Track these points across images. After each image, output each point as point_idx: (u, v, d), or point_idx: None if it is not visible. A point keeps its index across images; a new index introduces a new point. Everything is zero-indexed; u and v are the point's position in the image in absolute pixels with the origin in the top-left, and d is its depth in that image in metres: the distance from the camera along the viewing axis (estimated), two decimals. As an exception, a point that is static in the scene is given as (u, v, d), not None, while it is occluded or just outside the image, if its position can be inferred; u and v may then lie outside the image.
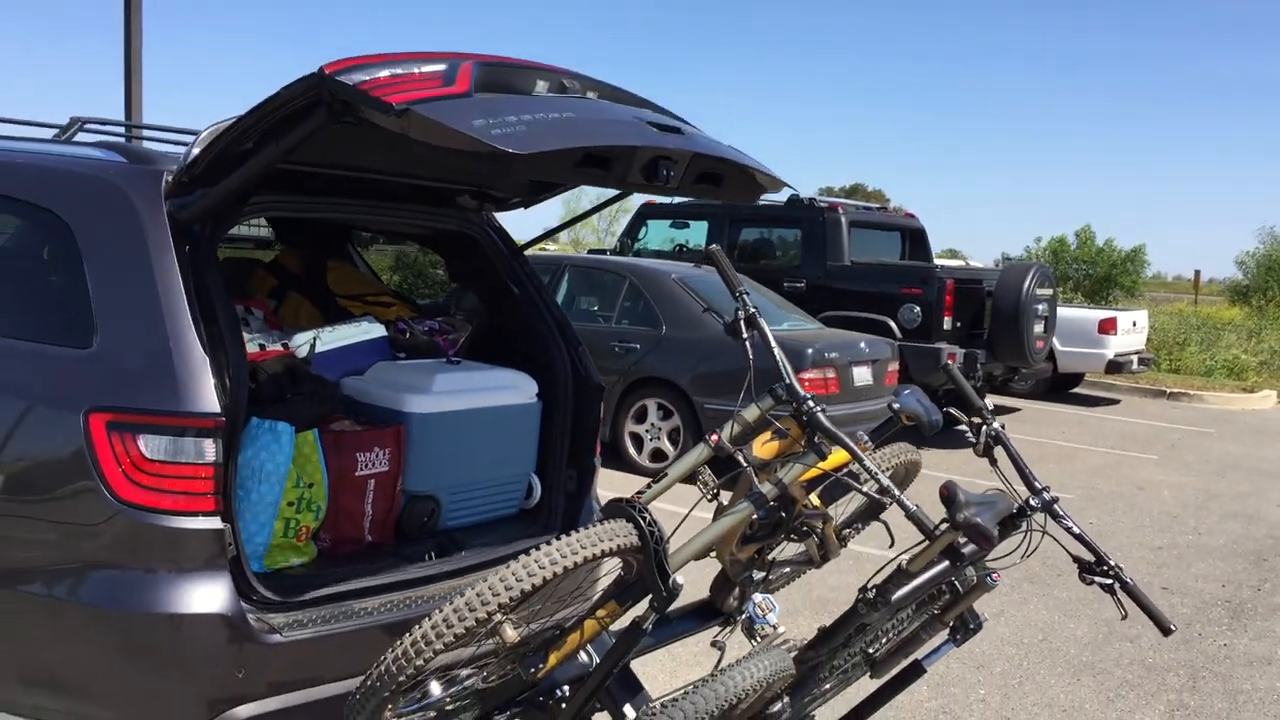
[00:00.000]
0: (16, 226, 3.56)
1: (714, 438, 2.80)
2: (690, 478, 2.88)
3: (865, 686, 3.44)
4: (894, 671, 3.39)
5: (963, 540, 2.77)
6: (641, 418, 9.48)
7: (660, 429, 9.40)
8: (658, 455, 9.40)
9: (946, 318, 11.42)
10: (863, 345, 9.75)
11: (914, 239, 13.59)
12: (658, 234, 13.83)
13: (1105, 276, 32.16)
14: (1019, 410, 15.01)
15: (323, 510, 3.41)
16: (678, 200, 12.86)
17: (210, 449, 2.97)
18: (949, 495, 2.62)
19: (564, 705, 2.91)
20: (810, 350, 9.09)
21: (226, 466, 3.01)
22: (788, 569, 3.64)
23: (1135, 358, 15.19)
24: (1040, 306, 11.79)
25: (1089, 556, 3.02)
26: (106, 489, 2.92)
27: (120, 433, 2.94)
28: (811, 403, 2.77)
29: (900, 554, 2.87)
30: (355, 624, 3.23)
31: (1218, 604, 6.76)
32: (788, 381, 2.81)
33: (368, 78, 2.76)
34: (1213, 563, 7.69)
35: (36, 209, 3.36)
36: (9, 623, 3.04)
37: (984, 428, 3.18)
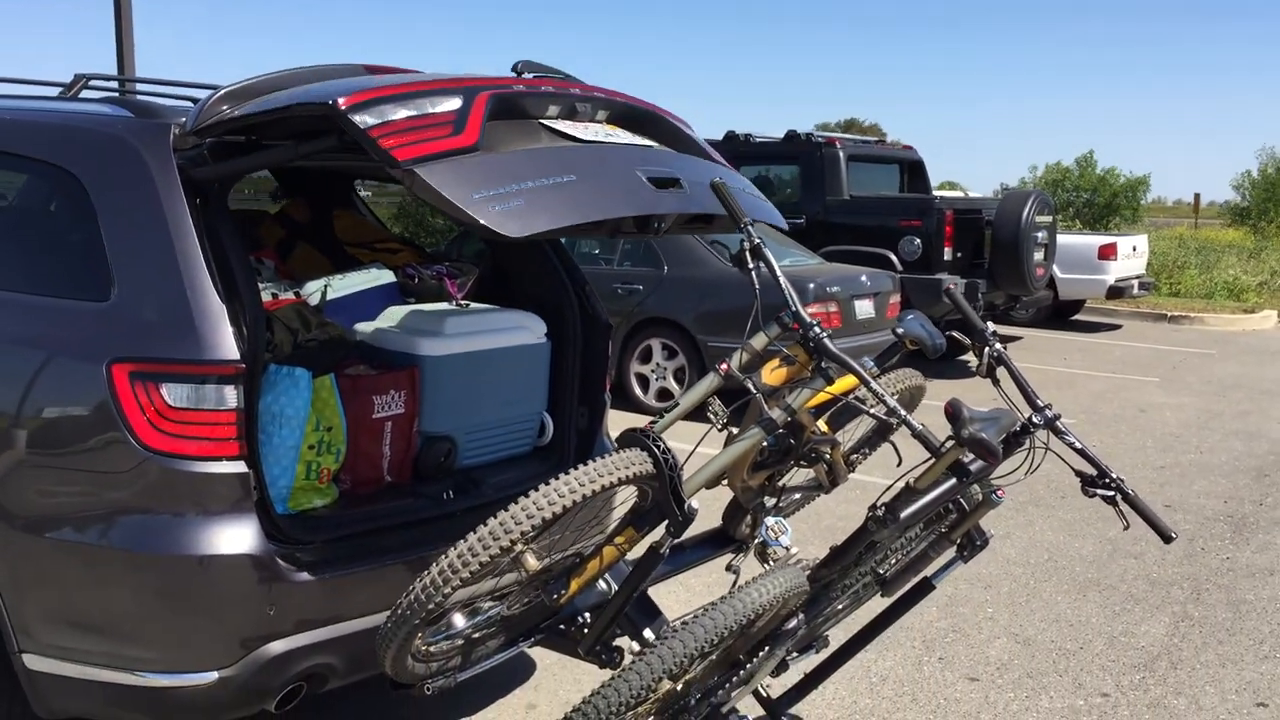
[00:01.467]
0: (30, 184, 3.62)
1: (724, 367, 2.86)
2: (700, 409, 2.95)
3: (876, 606, 3.54)
4: (904, 589, 3.49)
5: (968, 456, 2.84)
6: (647, 358, 9.56)
7: (666, 369, 9.47)
8: (664, 395, 9.48)
9: (946, 249, 11.45)
10: (864, 279, 9.80)
11: (912, 171, 13.59)
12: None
13: (1106, 205, 32.02)
14: (1021, 339, 15.08)
15: (342, 453, 3.49)
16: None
17: (231, 395, 3.05)
18: (954, 412, 2.69)
19: (586, 630, 3.01)
20: (812, 285, 9.14)
21: (248, 412, 3.09)
22: (798, 495, 3.73)
23: (1136, 282, 15.24)
24: (1040, 234, 11.82)
25: (1091, 471, 3.09)
26: (133, 438, 3.00)
27: (143, 382, 3.02)
28: (818, 329, 2.83)
29: (908, 472, 2.94)
30: (378, 561, 3.33)
31: (1220, 519, 6.87)
32: (794, 309, 2.87)
33: (377, 122, 2.85)
34: (1214, 479, 7.80)
35: (49, 166, 3.40)
36: (47, 569, 3.14)
37: (986, 350, 3.25)
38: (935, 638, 4.94)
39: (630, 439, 2.74)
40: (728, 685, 2.95)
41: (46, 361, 3.17)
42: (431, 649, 2.86)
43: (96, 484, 3.08)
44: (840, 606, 3.61)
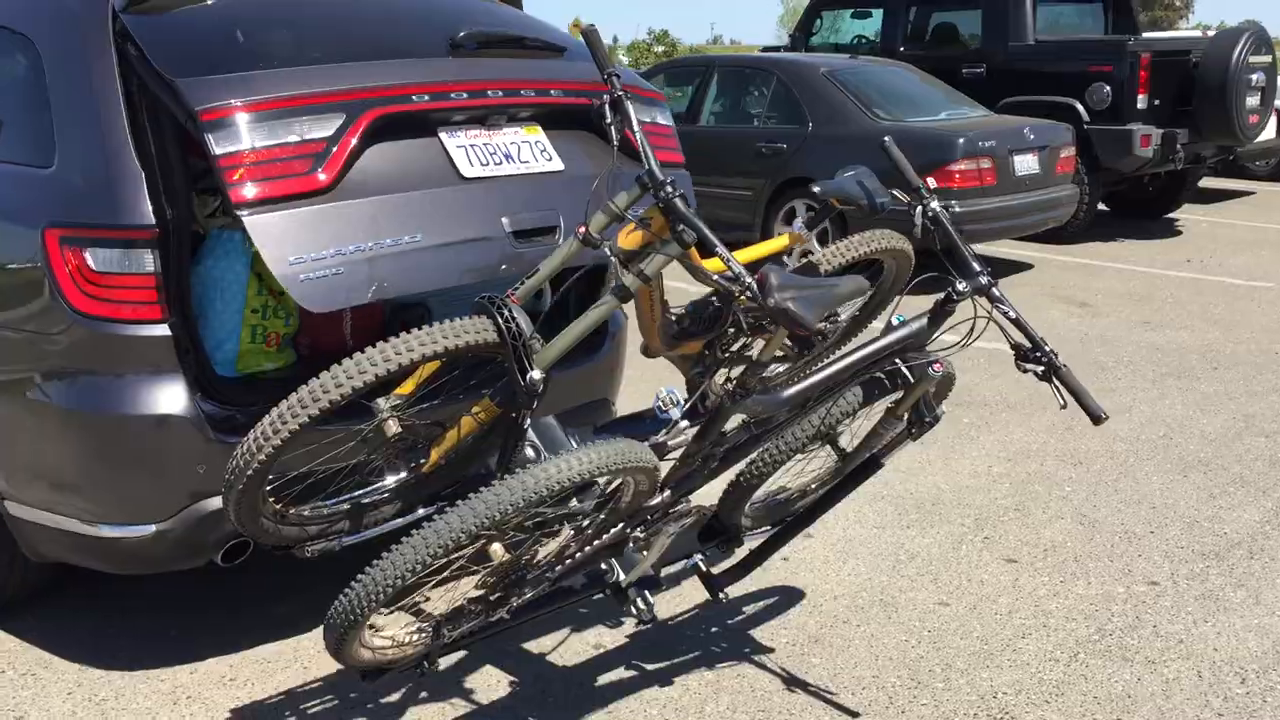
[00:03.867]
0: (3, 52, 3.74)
1: (581, 229, 2.68)
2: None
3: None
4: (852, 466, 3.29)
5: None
6: (791, 220, 9.22)
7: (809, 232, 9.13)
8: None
9: (1141, 95, 10.40)
10: (1027, 131, 9.06)
11: (1118, 9, 12.33)
12: (835, 26, 13.14)
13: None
14: (1252, 194, 13.71)
15: (294, 318, 3.52)
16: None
17: (149, 260, 3.10)
18: (762, 280, 2.44)
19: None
20: (962, 140, 8.53)
21: (173, 276, 3.14)
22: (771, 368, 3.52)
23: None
24: (1255, 76, 10.55)
25: (1026, 344, 2.79)
26: (64, 301, 3.11)
27: (71, 247, 3.11)
28: (669, 189, 2.59)
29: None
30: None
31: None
32: (648, 168, 2.63)
33: (230, 149, 2.92)
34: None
35: (13, 33, 3.50)
36: (10, 425, 3.34)
37: (920, 209, 2.94)
38: (991, 516, 4.62)
39: (479, 306, 2.63)
40: (603, 556, 2.87)
41: (3, 229, 3.32)
42: (308, 513, 2.88)
43: (39, 345, 3.22)
44: (793, 485, 3.42)
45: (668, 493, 2.85)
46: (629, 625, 3.68)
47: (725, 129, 9.89)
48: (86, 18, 3.27)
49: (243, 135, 2.94)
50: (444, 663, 3.22)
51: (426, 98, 3.27)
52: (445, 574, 2.52)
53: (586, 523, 2.67)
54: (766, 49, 14.83)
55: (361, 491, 2.95)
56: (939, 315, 2.88)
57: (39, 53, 3.35)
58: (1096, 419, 2.74)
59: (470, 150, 3.36)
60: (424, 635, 2.70)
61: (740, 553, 3.49)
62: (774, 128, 9.40)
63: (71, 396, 3.20)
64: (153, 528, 3.22)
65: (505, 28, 3.75)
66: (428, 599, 2.86)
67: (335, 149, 3.04)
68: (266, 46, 3.25)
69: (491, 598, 2.66)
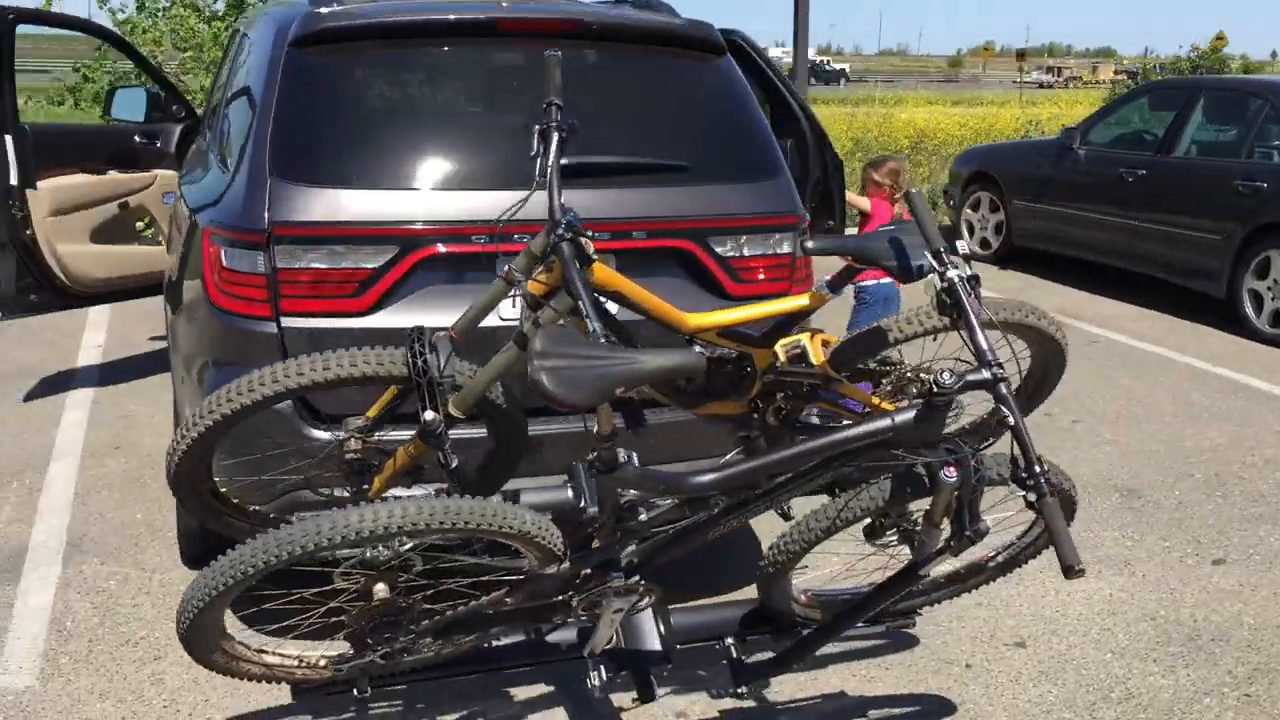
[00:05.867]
0: None
1: (504, 270, 2.46)
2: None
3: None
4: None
5: None
6: (1264, 272, 7.73)
7: (1283, 285, 7.61)
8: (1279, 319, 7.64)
9: None
10: None
11: None
12: None
13: None
14: None
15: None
16: None
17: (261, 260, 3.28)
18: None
19: None
20: None
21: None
22: None
23: None
24: None
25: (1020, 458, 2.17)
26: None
27: (213, 244, 3.38)
28: (562, 230, 2.28)
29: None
30: None
31: None
32: (554, 205, 2.35)
33: (290, 266, 3.13)
34: None
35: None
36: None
37: (935, 275, 2.32)
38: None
39: (406, 337, 2.47)
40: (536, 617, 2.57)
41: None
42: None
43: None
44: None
45: (565, 564, 2.47)
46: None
47: (1199, 162, 8.54)
48: (275, 54, 3.51)
49: (301, 255, 3.15)
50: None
51: (486, 239, 3.18)
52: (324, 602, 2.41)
53: (487, 579, 2.41)
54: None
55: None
56: (933, 408, 2.24)
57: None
58: (1067, 569, 2.04)
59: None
60: (335, 662, 2.58)
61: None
62: (1257, 163, 7.95)
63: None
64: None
65: (615, 153, 3.48)
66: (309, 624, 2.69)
67: (381, 280, 3.17)
68: (361, 157, 3.30)
69: (373, 636, 2.47)
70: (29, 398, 6.00)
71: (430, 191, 3.27)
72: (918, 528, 2.60)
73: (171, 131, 6.02)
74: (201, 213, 3.56)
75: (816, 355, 2.66)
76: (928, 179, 14.02)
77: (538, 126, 2.50)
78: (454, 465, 2.46)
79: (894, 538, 2.72)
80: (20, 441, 5.34)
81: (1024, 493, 2.18)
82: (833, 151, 4.82)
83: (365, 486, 2.78)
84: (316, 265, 3.17)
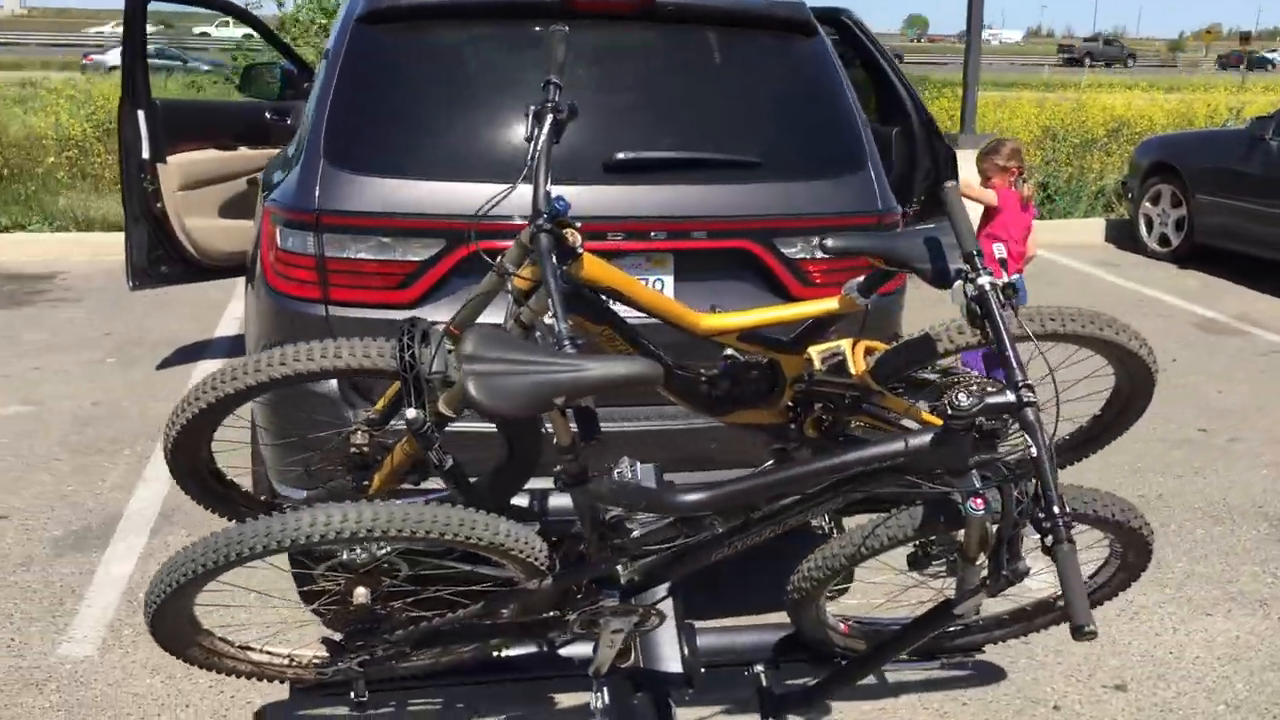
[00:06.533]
0: None
1: (498, 262, 2.30)
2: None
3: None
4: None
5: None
6: None
7: None
8: None
9: None
10: None
11: None
12: None
13: None
14: None
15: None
16: None
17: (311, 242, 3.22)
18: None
19: None
20: None
21: None
22: None
23: None
24: None
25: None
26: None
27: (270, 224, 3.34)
28: (543, 222, 2.10)
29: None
30: None
31: None
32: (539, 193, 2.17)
33: (339, 255, 3.06)
34: None
35: None
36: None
37: (962, 283, 2.04)
38: None
39: (400, 328, 2.34)
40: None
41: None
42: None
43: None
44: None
45: (547, 580, 2.27)
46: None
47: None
48: (342, 30, 3.44)
49: (348, 245, 3.10)
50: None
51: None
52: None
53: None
54: None
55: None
56: (951, 432, 1.96)
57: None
58: (1076, 630, 1.74)
59: None
60: (319, 666, 2.46)
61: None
62: None
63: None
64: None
65: (682, 147, 3.27)
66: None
67: (428, 272, 3.10)
68: (415, 146, 3.20)
69: (351, 640, 2.34)
70: (163, 365, 6.20)
71: (484, 184, 3.14)
72: None
73: (301, 108, 6.09)
74: (268, 192, 3.53)
75: (857, 364, 2.40)
76: (1120, 170, 13.09)
77: (532, 106, 2.33)
78: (448, 466, 2.31)
79: (941, 569, 2.45)
80: (144, 408, 5.50)
81: (1038, 534, 1.89)
82: (942, 140, 4.46)
83: (366, 483, 2.67)
84: (363, 255, 3.10)
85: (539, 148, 2.28)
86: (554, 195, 2.25)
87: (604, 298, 2.38)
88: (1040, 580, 2.96)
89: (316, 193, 3.15)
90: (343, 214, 3.11)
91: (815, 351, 2.44)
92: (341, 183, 3.14)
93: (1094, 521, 2.37)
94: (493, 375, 1.82)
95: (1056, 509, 1.85)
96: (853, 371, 2.40)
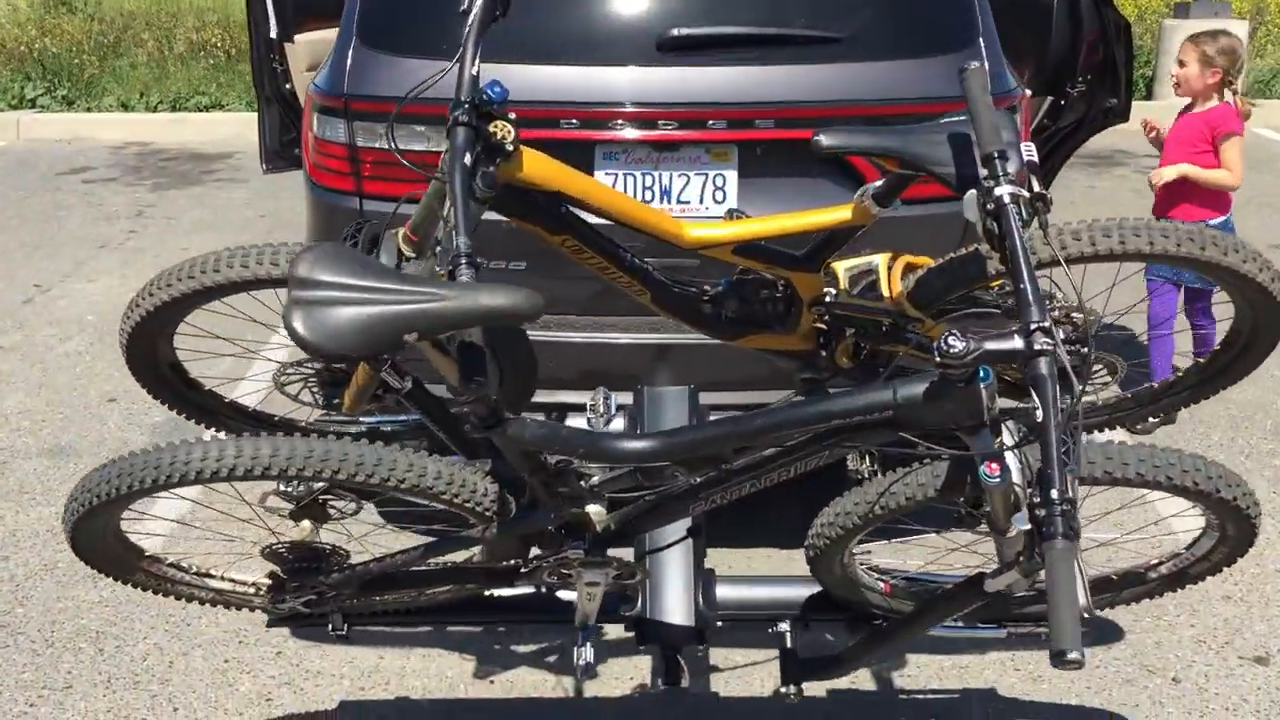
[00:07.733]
0: None
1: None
2: None
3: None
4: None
5: None
6: None
7: None
8: None
9: None
10: None
11: None
12: None
13: None
14: None
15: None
16: None
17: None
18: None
19: None
20: None
21: None
22: None
23: None
24: None
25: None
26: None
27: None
28: (461, 113, 1.84)
29: None
30: None
31: None
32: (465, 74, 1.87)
33: (369, 145, 2.86)
34: None
35: None
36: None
37: (976, 191, 1.59)
38: None
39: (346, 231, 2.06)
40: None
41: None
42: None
43: None
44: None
45: (491, 527, 1.95)
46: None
47: None
48: None
49: (378, 131, 2.82)
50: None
51: (575, 123, 2.74)
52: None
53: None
54: None
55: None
56: (948, 382, 1.53)
57: None
58: (1056, 655, 1.33)
59: (620, 184, 2.78)
60: (273, 599, 2.25)
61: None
62: None
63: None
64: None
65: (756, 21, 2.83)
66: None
67: None
68: (454, 23, 2.82)
69: (293, 576, 2.11)
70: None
71: (527, 65, 2.79)
72: None
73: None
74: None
75: (893, 285, 1.97)
76: None
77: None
78: (406, 389, 2.02)
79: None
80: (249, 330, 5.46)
81: (1025, 524, 1.47)
82: (1114, 8, 3.73)
83: (336, 401, 2.43)
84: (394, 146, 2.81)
85: (473, 18, 1.91)
86: (487, 80, 1.89)
87: (565, 202, 2.01)
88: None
89: (347, 76, 2.90)
90: (373, 100, 2.84)
91: (841, 268, 2.02)
92: (374, 65, 2.89)
93: (1173, 489, 1.89)
94: (320, 305, 1.51)
95: (1055, 493, 1.41)
96: (886, 294, 1.97)
